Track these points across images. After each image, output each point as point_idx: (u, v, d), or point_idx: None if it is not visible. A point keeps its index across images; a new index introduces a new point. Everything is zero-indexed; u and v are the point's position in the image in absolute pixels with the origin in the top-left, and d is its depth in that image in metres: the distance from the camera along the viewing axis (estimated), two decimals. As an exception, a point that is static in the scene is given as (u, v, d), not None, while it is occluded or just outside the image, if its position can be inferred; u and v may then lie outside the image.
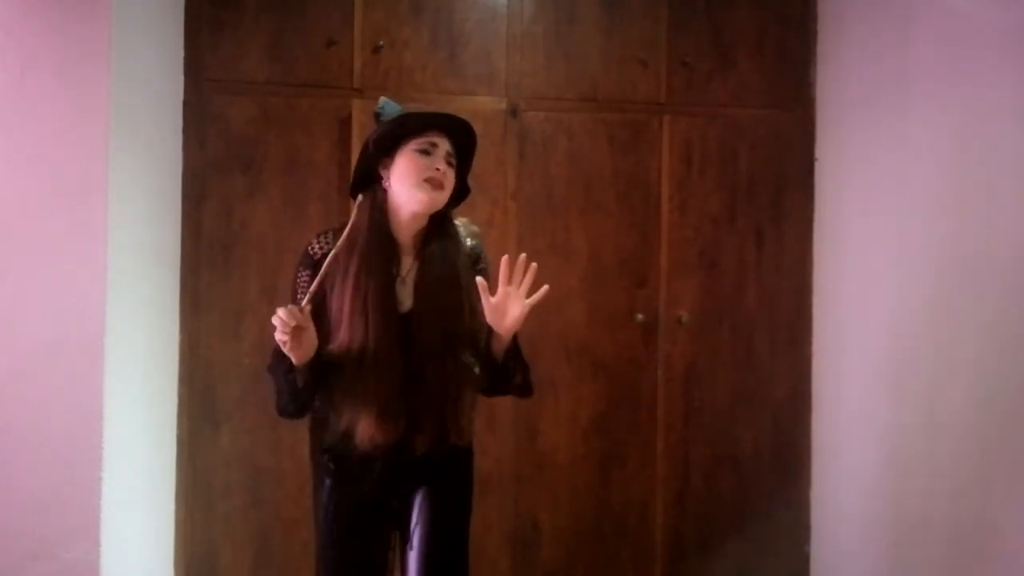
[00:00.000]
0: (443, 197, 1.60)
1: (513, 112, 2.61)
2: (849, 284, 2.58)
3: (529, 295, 1.56)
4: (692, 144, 2.70)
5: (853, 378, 2.55)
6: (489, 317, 1.56)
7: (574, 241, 2.63)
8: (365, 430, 1.55)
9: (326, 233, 1.64)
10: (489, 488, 2.54)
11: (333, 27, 2.53)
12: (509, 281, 1.55)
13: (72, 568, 1.94)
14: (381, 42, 2.54)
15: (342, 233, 1.56)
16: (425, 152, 1.59)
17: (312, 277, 1.55)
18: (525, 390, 1.70)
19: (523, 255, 1.58)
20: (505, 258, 1.56)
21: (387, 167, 1.62)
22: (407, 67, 2.56)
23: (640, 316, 2.66)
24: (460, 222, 1.71)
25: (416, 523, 1.65)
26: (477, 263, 1.69)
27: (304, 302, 1.48)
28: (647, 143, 2.68)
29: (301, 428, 2.53)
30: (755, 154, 2.73)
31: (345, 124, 2.50)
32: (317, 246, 1.62)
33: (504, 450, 2.59)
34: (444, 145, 1.62)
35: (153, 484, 2.33)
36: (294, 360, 1.50)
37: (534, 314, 1.57)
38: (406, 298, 1.61)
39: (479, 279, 1.55)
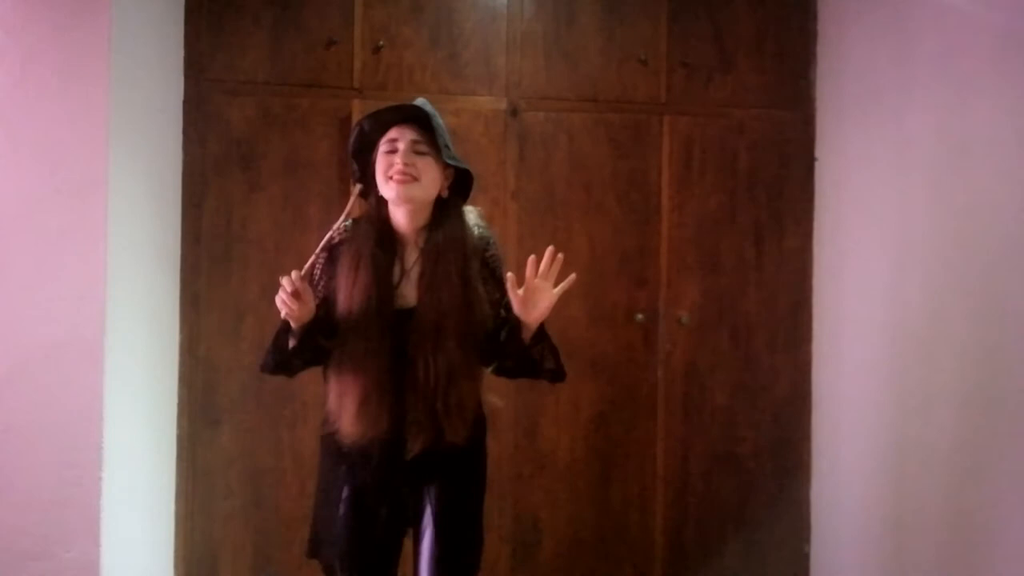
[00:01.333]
0: (419, 189, 1.60)
1: (513, 112, 2.61)
2: (849, 284, 2.58)
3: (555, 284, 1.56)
4: (692, 144, 2.70)
5: (853, 378, 2.55)
6: (517, 309, 1.55)
7: (574, 241, 2.63)
8: (345, 423, 1.57)
9: (347, 220, 1.67)
10: (489, 488, 2.52)
11: (333, 27, 2.53)
12: (536, 275, 1.55)
13: (72, 568, 1.94)
14: (381, 42, 2.54)
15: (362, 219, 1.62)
16: (391, 151, 1.61)
17: (328, 261, 1.64)
18: (558, 375, 1.66)
19: (551, 247, 1.57)
20: (532, 258, 1.55)
21: (370, 167, 1.67)
22: (407, 67, 2.56)
23: (640, 316, 2.66)
24: (468, 210, 1.70)
25: (426, 523, 1.65)
26: (486, 250, 1.68)
27: (302, 272, 1.52)
28: (647, 143, 2.68)
29: (301, 428, 2.56)
30: (755, 154, 2.73)
31: (345, 124, 2.50)
32: (336, 233, 1.65)
33: (504, 450, 2.59)
34: (406, 136, 1.61)
35: (153, 484, 2.33)
36: (292, 324, 1.55)
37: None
38: (410, 293, 1.61)
39: (509, 275, 1.54)
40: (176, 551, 2.46)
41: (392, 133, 1.63)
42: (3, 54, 1.92)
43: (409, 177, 1.58)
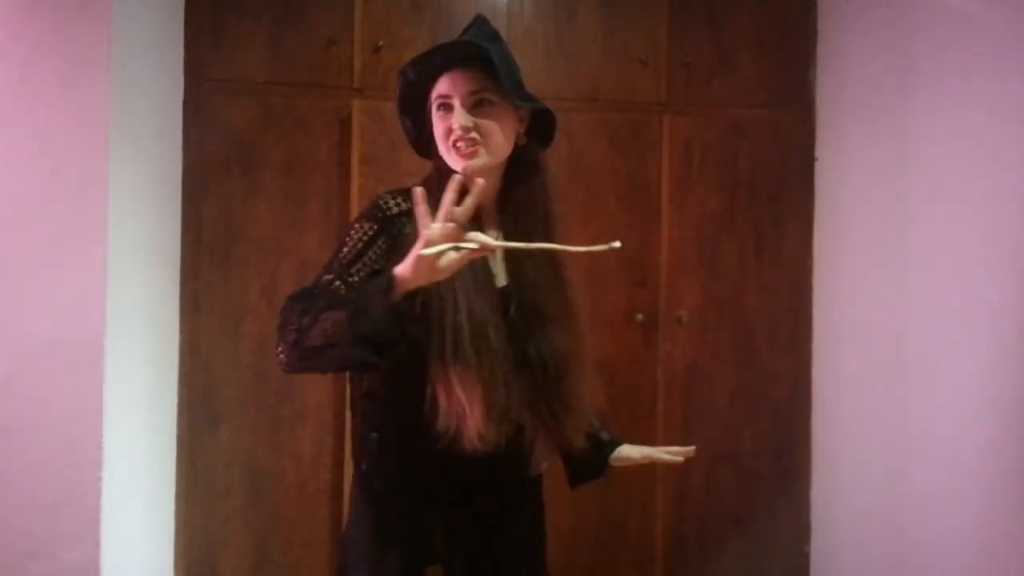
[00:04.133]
0: (488, 154, 1.28)
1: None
2: (849, 284, 2.58)
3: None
4: (692, 144, 2.70)
5: (853, 378, 2.55)
6: (628, 453, 1.52)
7: (574, 241, 2.62)
8: (474, 422, 1.23)
9: (397, 190, 1.32)
10: (489, 488, 2.54)
11: (333, 27, 2.53)
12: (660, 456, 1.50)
13: (72, 568, 1.94)
14: (381, 42, 2.54)
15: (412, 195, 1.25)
16: (445, 107, 1.29)
17: (378, 233, 1.26)
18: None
19: (692, 448, 1.54)
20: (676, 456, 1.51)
21: (426, 127, 1.35)
22: (407, 67, 2.56)
23: (640, 316, 2.66)
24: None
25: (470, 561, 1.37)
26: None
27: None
28: (647, 143, 2.68)
29: (301, 428, 2.56)
30: (755, 154, 2.73)
31: (345, 124, 2.50)
32: (392, 202, 1.29)
33: (504, 450, 2.58)
34: (460, 88, 1.27)
35: (153, 484, 2.33)
36: (397, 287, 1.12)
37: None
38: (499, 271, 1.34)
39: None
40: (176, 551, 2.46)
41: (442, 85, 1.28)
42: (3, 54, 1.92)
43: (473, 145, 1.27)
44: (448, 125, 1.27)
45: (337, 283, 1.25)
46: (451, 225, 1.10)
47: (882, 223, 2.41)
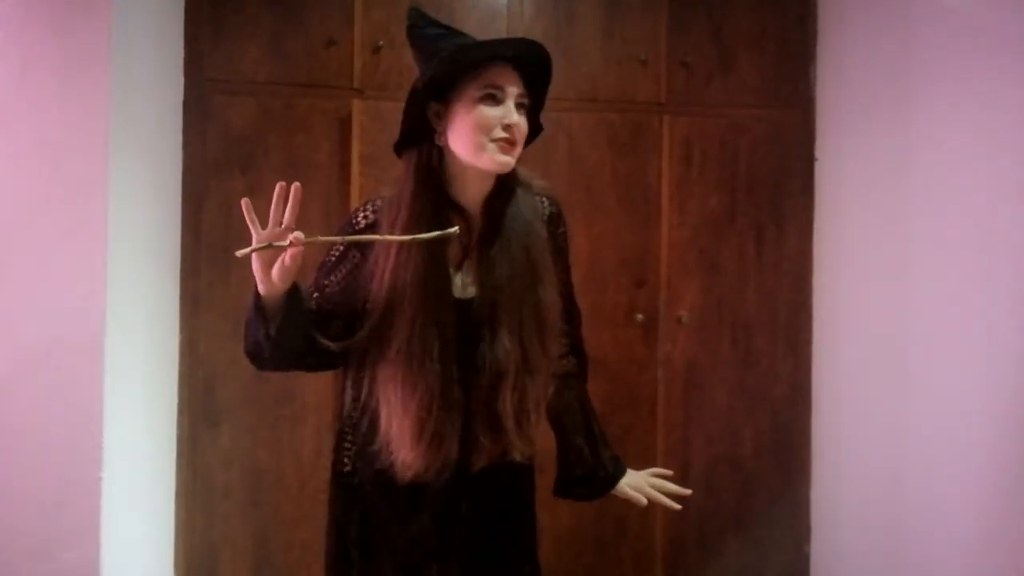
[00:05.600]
0: (515, 157, 1.27)
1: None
2: (849, 284, 2.58)
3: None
4: (692, 144, 2.70)
5: (853, 378, 2.55)
6: (633, 491, 1.53)
7: (574, 241, 2.61)
8: (405, 452, 1.25)
9: (374, 201, 1.34)
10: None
11: (333, 27, 2.53)
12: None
13: (72, 568, 1.94)
14: (381, 42, 2.54)
15: (390, 200, 1.30)
16: (492, 99, 1.24)
17: (348, 247, 1.31)
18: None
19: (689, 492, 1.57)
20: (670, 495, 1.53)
21: (441, 116, 1.28)
22: (407, 67, 2.54)
23: (640, 316, 2.66)
24: (528, 174, 1.40)
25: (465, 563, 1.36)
26: (556, 226, 1.43)
27: (307, 239, 1.16)
28: (647, 143, 2.68)
29: (301, 428, 2.56)
30: (755, 154, 2.73)
31: (345, 124, 2.50)
32: (362, 215, 1.33)
33: (504, 450, 2.59)
34: (512, 89, 1.25)
35: (153, 484, 2.33)
36: (263, 292, 1.20)
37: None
38: (468, 279, 1.33)
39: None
40: (176, 551, 2.46)
41: (495, 76, 1.24)
42: (3, 54, 1.92)
43: (513, 145, 1.25)
44: (493, 117, 1.23)
45: (315, 294, 1.32)
46: (277, 229, 1.17)
47: (882, 223, 2.41)
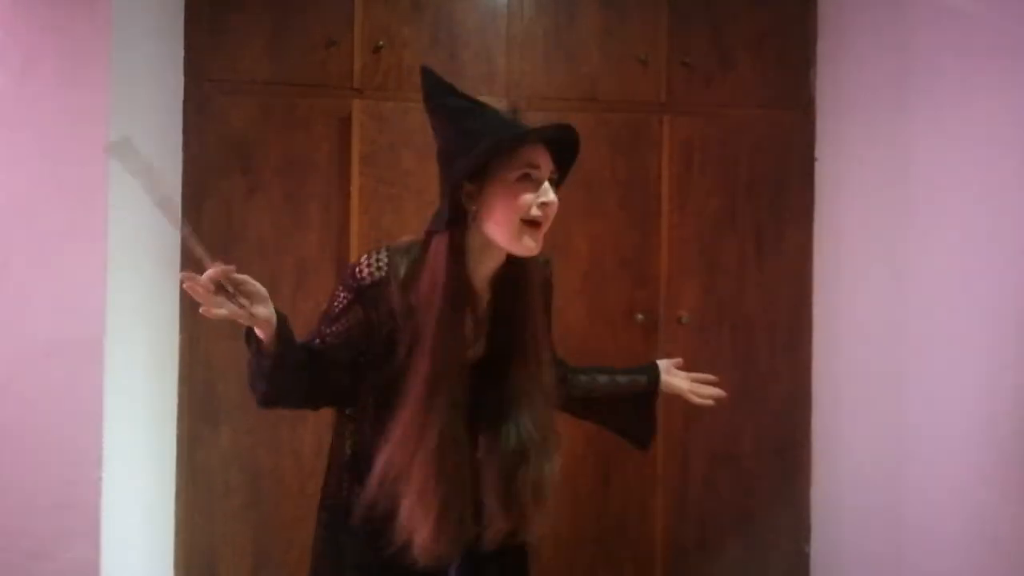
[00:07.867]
0: (542, 236, 1.28)
1: (513, 112, 2.58)
2: (849, 284, 2.58)
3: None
4: (692, 144, 2.70)
5: (853, 378, 2.55)
6: (674, 384, 1.73)
7: (574, 241, 2.63)
8: (424, 537, 1.22)
9: (378, 252, 1.31)
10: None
11: (333, 27, 2.53)
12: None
13: (72, 568, 1.94)
14: (381, 42, 2.54)
15: (398, 254, 1.29)
16: (527, 178, 1.24)
17: (352, 303, 1.29)
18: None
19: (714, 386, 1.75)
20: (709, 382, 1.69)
21: (473, 197, 1.27)
22: (407, 67, 2.56)
23: (640, 316, 2.66)
24: None
25: None
26: (548, 285, 1.46)
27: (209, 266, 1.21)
28: (647, 143, 2.68)
29: (301, 427, 2.56)
30: (755, 154, 2.73)
31: (345, 124, 2.50)
32: (367, 270, 1.29)
33: (504, 450, 2.59)
34: (548, 163, 1.27)
35: (153, 484, 2.33)
36: (258, 333, 1.22)
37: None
38: (478, 345, 1.34)
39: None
40: (176, 551, 2.46)
41: (534, 156, 1.25)
42: (3, 54, 1.92)
43: (545, 221, 1.25)
44: (530, 197, 1.24)
45: (316, 341, 1.33)
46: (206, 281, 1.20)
47: (882, 223, 2.41)
